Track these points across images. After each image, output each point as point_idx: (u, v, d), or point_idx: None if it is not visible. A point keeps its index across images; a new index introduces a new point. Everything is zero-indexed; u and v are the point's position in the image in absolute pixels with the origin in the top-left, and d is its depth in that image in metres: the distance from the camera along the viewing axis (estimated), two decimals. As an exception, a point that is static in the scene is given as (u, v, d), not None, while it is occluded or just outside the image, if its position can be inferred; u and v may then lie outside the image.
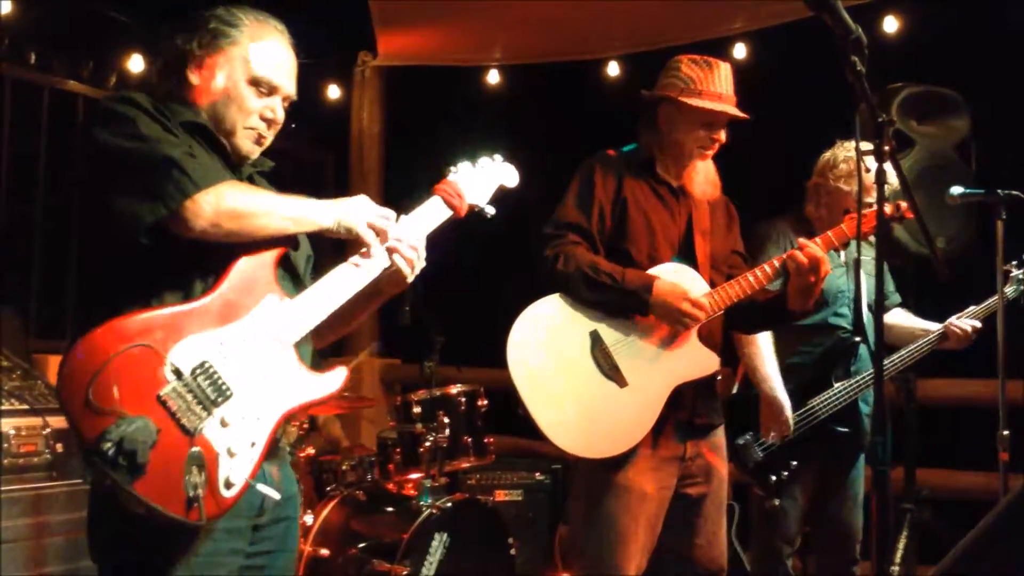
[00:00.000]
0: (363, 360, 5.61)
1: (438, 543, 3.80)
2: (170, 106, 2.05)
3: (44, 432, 3.56)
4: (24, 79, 5.69)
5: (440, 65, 6.48)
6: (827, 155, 3.60)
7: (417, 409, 4.12)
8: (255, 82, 2.11)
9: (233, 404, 1.90)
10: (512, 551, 4.03)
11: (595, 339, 2.80)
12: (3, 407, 3.53)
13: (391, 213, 2.14)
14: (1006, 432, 3.13)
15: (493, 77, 6.48)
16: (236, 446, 1.89)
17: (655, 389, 2.80)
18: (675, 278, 2.83)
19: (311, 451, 4.21)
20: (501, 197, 2.49)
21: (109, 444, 1.74)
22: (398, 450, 4.13)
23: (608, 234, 2.91)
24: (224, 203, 1.91)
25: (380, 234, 2.09)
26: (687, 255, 2.93)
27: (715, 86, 2.86)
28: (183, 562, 1.88)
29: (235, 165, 2.13)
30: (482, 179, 2.41)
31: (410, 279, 2.18)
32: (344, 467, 4.40)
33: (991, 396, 3.28)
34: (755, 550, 3.76)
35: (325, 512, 4.02)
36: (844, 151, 3.55)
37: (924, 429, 3.54)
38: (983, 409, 3.90)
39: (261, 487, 1.92)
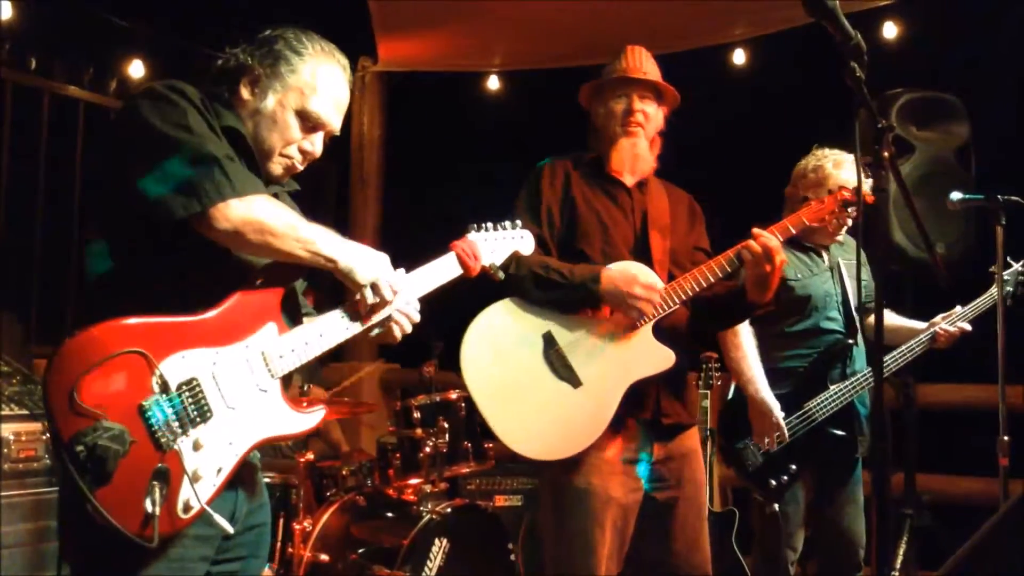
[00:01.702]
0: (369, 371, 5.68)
1: (438, 548, 3.80)
2: (216, 107, 2.03)
3: (44, 437, 3.56)
4: (25, 84, 5.69)
5: (440, 71, 6.49)
6: (801, 164, 3.60)
7: (417, 414, 4.11)
8: (303, 115, 2.10)
9: (210, 427, 1.89)
10: (512, 556, 4.02)
11: (548, 340, 2.78)
12: (3, 412, 3.53)
13: (400, 284, 2.09)
14: (1006, 437, 3.13)
15: (493, 83, 6.49)
16: (203, 470, 1.88)
17: (609, 388, 2.76)
18: (625, 267, 2.79)
19: (311, 456, 4.20)
20: (501, 198, 2.48)
21: (82, 448, 1.73)
22: (398, 455, 4.12)
23: (560, 235, 2.90)
24: (252, 214, 1.90)
25: (376, 305, 2.06)
26: (643, 252, 2.90)
27: (625, 63, 2.97)
28: (152, 565, 1.88)
29: (264, 183, 2.10)
30: (500, 243, 2.41)
31: (398, 339, 2.18)
32: (344, 472, 4.41)
33: (991, 401, 3.28)
34: (756, 556, 3.75)
35: (325, 517, 4.01)
36: (815, 160, 3.54)
37: (924, 434, 3.54)
38: (983, 414, 3.90)
39: (217, 517, 1.90)
